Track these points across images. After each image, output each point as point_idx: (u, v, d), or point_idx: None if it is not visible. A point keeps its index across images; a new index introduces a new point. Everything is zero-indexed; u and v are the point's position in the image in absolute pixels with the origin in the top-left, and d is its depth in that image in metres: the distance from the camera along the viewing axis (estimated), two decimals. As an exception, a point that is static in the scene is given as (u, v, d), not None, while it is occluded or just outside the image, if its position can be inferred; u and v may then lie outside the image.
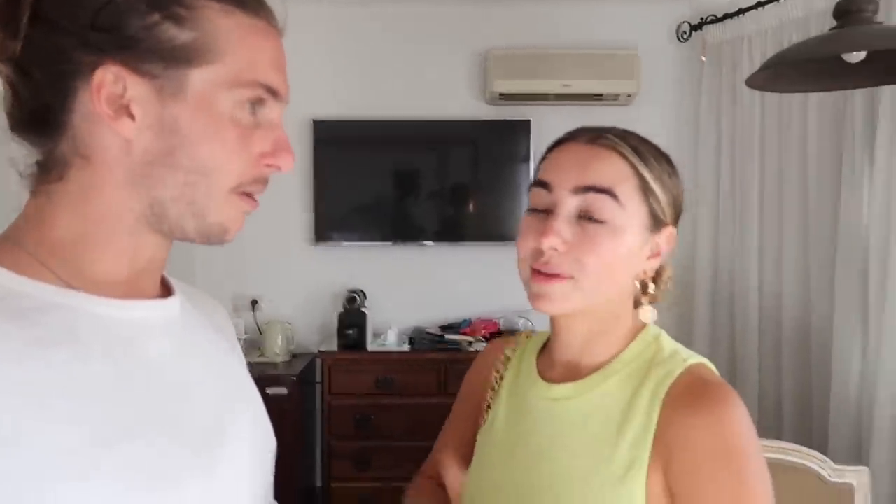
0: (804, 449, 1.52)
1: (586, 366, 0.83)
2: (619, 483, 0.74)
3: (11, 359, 0.51)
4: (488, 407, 0.93)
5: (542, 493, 0.80)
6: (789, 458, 1.47)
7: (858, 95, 2.40)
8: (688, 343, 0.86)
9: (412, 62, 3.21)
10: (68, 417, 0.51)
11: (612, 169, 0.77)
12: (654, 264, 0.83)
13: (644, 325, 0.85)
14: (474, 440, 0.94)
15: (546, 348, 0.91)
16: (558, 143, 0.83)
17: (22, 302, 0.55)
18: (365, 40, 3.20)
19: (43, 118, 0.57)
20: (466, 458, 0.94)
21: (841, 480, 1.48)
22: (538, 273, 0.78)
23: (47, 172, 0.58)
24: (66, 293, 0.57)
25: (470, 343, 2.92)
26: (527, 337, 0.97)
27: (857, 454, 2.34)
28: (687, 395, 0.75)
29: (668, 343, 0.83)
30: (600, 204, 0.76)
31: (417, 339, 3.00)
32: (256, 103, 0.60)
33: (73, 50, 0.55)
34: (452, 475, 0.73)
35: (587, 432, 0.79)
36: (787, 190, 2.73)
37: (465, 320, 3.15)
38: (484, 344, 2.88)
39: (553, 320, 0.85)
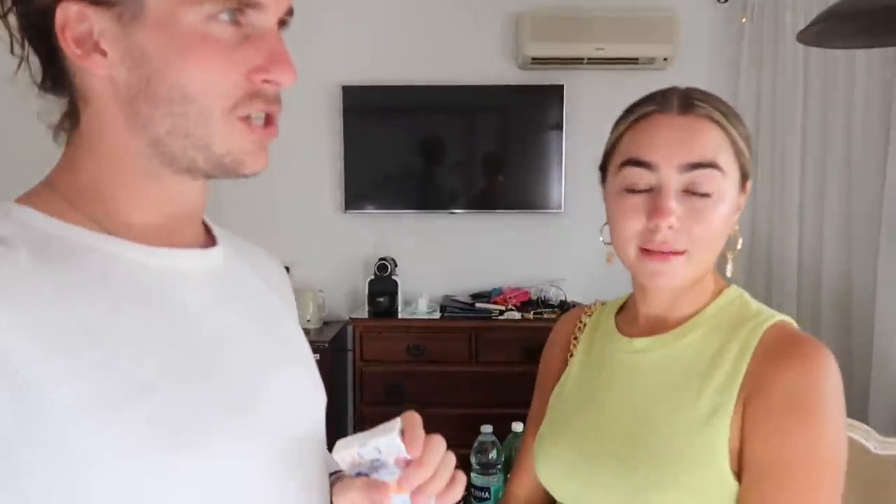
0: (848, 419, 1.49)
1: (672, 320, 0.85)
2: (702, 427, 0.76)
3: (42, 303, 0.50)
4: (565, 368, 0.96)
5: (619, 433, 0.82)
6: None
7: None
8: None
9: (442, 26, 3.15)
10: (94, 366, 0.50)
11: (714, 141, 0.78)
12: (737, 218, 0.84)
13: (727, 284, 0.87)
14: None
15: (625, 308, 0.94)
16: (644, 115, 0.81)
17: (55, 244, 0.54)
18: (394, 3, 3.15)
19: (51, 72, 0.58)
20: None
21: (886, 452, 1.44)
22: (650, 252, 0.78)
23: (69, 121, 0.59)
24: (100, 237, 0.56)
25: (501, 312, 2.90)
26: (601, 304, 1.00)
27: (897, 426, 2.30)
28: (779, 345, 0.77)
29: (753, 301, 0.86)
30: (707, 178, 0.77)
31: (448, 307, 2.99)
32: (235, 13, 0.55)
33: None
34: None
35: (668, 381, 0.81)
36: (830, 156, 2.65)
37: (495, 289, 3.13)
38: (515, 313, 2.87)
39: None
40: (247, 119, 0.57)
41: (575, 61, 3.01)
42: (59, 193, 0.57)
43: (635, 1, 3.04)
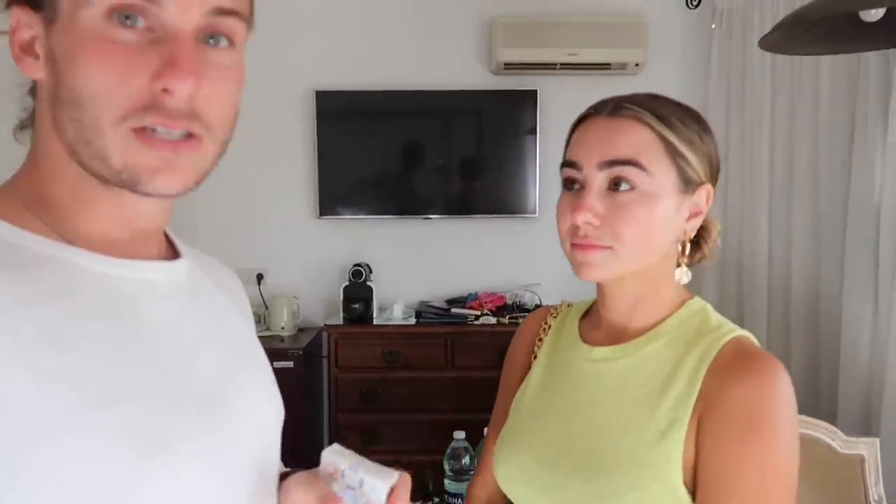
0: (814, 420, 1.51)
1: (632, 329, 0.85)
2: (658, 441, 0.76)
3: (2, 311, 0.49)
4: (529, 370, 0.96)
5: (576, 443, 0.82)
6: (799, 428, 1.45)
7: (872, 62, 2.35)
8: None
9: (416, 31, 3.15)
10: (60, 376, 0.50)
11: (635, 139, 0.78)
12: (695, 224, 0.84)
13: (691, 295, 0.87)
14: None
15: (590, 314, 0.94)
16: (580, 119, 0.85)
17: (18, 255, 0.53)
18: (368, 8, 3.14)
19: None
20: None
21: (852, 452, 1.47)
22: (577, 245, 0.80)
23: (31, 122, 0.59)
24: (64, 248, 0.55)
25: (476, 317, 2.90)
26: (568, 306, 1.00)
27: (865, 425, 2.33)
28: (733, 360, 0.77)
29: (714, 315, 0.85)
30: (627, 174, 0.78)
31: (423, 312, 2.99)
32: (136, 13, 0.51)
33: None
34: None
35: (626, 393, 0.81)
36: (797, 159, 2.70)
37: (471, 294, 3.13)
38: (490, 318, 2.87)
39: (600, 286, 0.87)
40: (147, 132, 0.52)
41: (548, 66, 3.02)
42: (19, 198, 0.56)
43: (607, 6, 3.07)
